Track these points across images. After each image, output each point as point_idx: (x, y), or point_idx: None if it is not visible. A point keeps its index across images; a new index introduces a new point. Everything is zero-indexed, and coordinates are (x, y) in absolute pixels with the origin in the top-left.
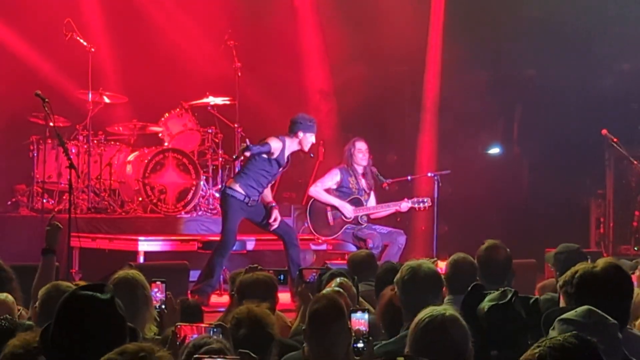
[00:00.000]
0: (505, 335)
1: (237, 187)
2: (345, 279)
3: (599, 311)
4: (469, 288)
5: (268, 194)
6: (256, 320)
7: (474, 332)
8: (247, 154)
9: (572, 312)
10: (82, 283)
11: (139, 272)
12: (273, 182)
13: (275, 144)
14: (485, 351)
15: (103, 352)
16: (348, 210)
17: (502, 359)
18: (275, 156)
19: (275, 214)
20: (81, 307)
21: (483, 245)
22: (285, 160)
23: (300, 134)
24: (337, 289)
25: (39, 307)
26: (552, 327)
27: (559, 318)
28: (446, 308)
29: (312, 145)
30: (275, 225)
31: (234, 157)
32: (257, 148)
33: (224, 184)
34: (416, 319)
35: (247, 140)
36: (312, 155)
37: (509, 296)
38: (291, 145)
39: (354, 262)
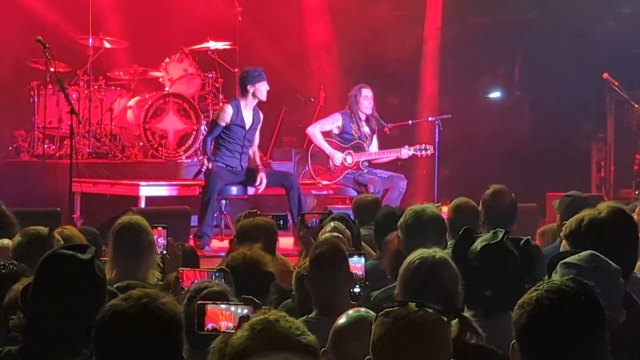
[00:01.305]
0: (498, 275)
1: (213, 159)
2: (340, 223)
3: (602, 256)
4: (460, 232)
5: (255, 159)
6: (251, 263)
7: (467, 274)
8: (204, 169)
9: (576, 256)
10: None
11: (143, 218)
12: (254, 142)
13: (224, 113)
14: (478, 292)
15: (81, 313)
16: (338, 158)
17: (496, 298)
18: (230, 122)
19: (261, 176)
20: (60, 266)
21: (488, 189)
22: (250, 119)
23: (250, 88)
24: (336, 234)
25: (12, 253)
26: (554, 271)
27: (561, 262)
28: (436, 250)
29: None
30: (262, 187)
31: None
32: (208, 140)
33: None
34: (406, 261)
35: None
36: (312, 99)
37: (500, 236)
38: (247, 103)
39: (359, 206)
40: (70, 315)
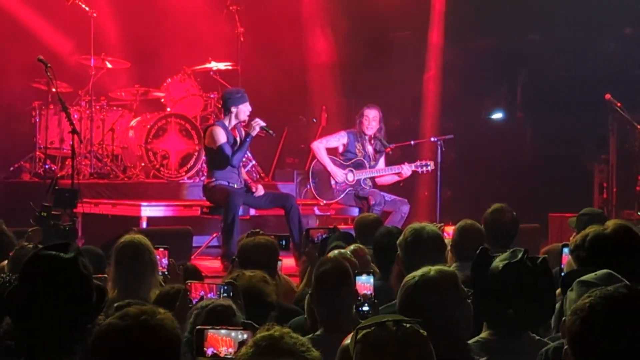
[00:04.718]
0: (520, 293)
1: (214, 180)
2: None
3: (619, 275)
4: (477, 252)
5: (245, 176)
6: (253, 292)
7: (488, 294)
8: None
9: (592, 275)
10: None
11: (145, 237)
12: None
13: (218, 134)
14: (499, 311)
15: (67, 312)
16: (340, 176)
17: (518, 317)
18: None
19: (256, 186)
20: (43, 267)
21: (489, 208)
22: (236, 137)
23: (233, 109)
24: (344, 251)
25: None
26: (570, 289)
27: (578, 280)
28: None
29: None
30: (261, 193)
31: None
32: (237, 153)
33: (204, 183)
34: (406, 278)
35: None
36: (314, 120)
37: (520, 255)
38: (230, 123)
39: (361, 225)
40: (58, 315)
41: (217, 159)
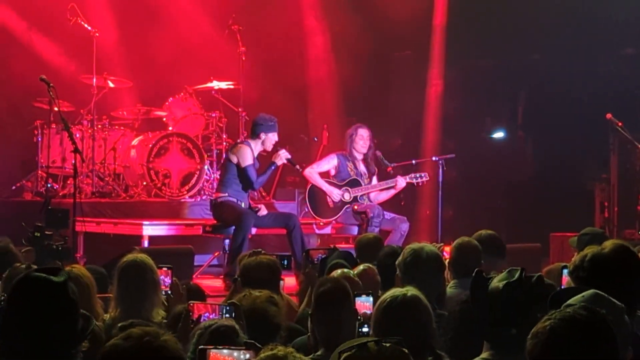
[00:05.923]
0: (522, 312)
1: (226, 195)
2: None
3: (606, 295)
4: (473, 274)
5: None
6: (258, 313)
7: (489, 314)
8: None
9: (579, 296)
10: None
11: (148, 256)
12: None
13: (248, 153)
14: (500, 332)
15: (53, 336)
16: (336, 195)
17: (520, 336)
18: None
19: (259, 207)
20: (33, 289)
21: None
22: (257, 161)
23: (263, 136)
24: (347, 271)
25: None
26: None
27: (565, 304)
28: (409, 289)
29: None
30: (264, 212)
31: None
32: (261, 177)
33: (212, 198)
34: (378, 301)
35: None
36: (315, 139)
37: (517, 274)
38: (256, 147)
39: (361, 245)
40: (44, 337)
41: (241, 177)
